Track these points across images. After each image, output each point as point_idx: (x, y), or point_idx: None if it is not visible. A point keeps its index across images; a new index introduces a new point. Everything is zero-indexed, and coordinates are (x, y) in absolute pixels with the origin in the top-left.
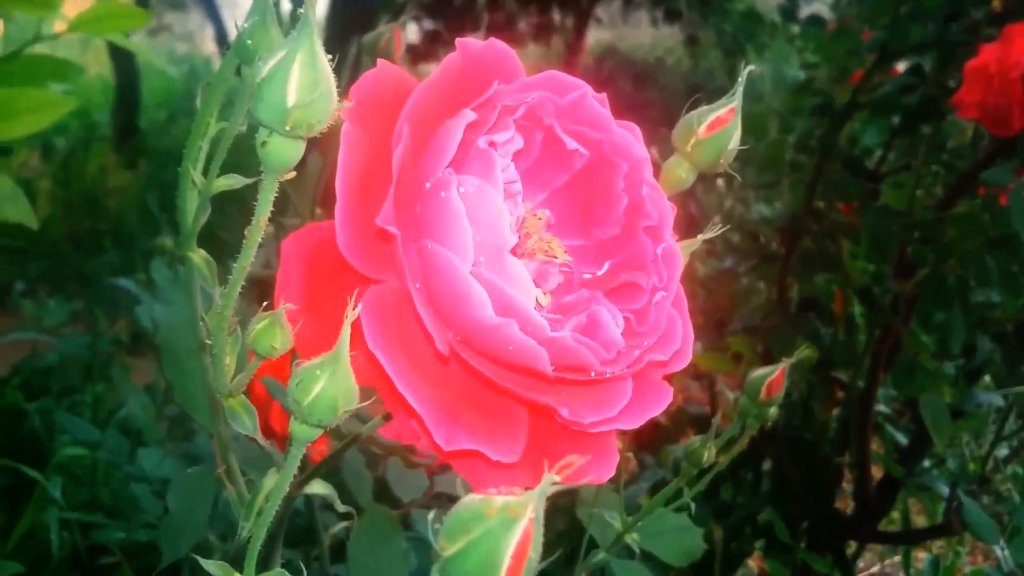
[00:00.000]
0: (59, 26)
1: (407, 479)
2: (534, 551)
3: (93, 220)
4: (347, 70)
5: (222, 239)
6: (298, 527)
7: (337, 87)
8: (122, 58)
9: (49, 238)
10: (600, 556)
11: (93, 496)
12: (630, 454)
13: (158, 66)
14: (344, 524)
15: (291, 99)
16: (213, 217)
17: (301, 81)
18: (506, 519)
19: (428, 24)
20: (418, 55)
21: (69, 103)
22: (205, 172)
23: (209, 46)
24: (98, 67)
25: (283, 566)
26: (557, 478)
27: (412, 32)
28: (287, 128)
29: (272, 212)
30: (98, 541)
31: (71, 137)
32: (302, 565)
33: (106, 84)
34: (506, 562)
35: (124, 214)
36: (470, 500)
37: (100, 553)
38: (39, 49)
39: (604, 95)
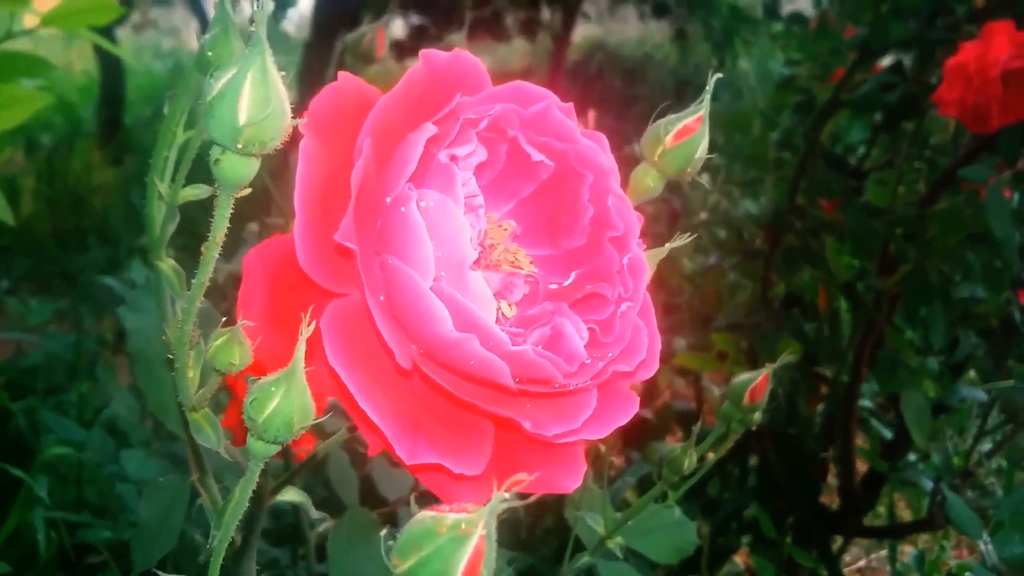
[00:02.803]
0: (31, 21)
1: (392, 478)
2: (485, 568)
3: (78, 217)
4: (333, 67)
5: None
6: (285, 526)
7: (323, 83)
8: (107, 54)
9: (33, 236)
10: (584, 559)
11: (79, 495)
12: (614, 458)
13: (143, 62)
14: (330, 523)
15: (242, 117)
16: (196, 213)
17: (252, 99)
18: (456, 537)
19: (414, 19)
20: (404, 51)
21: (43, 99)
22: (174, 180)
23: (194, 41)
24: (83, 63)
25: (268, 565)
26: (507, 496)
27: (398, 27)
28: (239, 146)
29: (258, 212)
30: (85, 540)
31: (55, 134)
32: (280, 572)
33: (91, 80)
34: None
35: (109, 211)
36: (422, 517)
37: (87, 552)
38: (17, 45)
39: (570, 105)
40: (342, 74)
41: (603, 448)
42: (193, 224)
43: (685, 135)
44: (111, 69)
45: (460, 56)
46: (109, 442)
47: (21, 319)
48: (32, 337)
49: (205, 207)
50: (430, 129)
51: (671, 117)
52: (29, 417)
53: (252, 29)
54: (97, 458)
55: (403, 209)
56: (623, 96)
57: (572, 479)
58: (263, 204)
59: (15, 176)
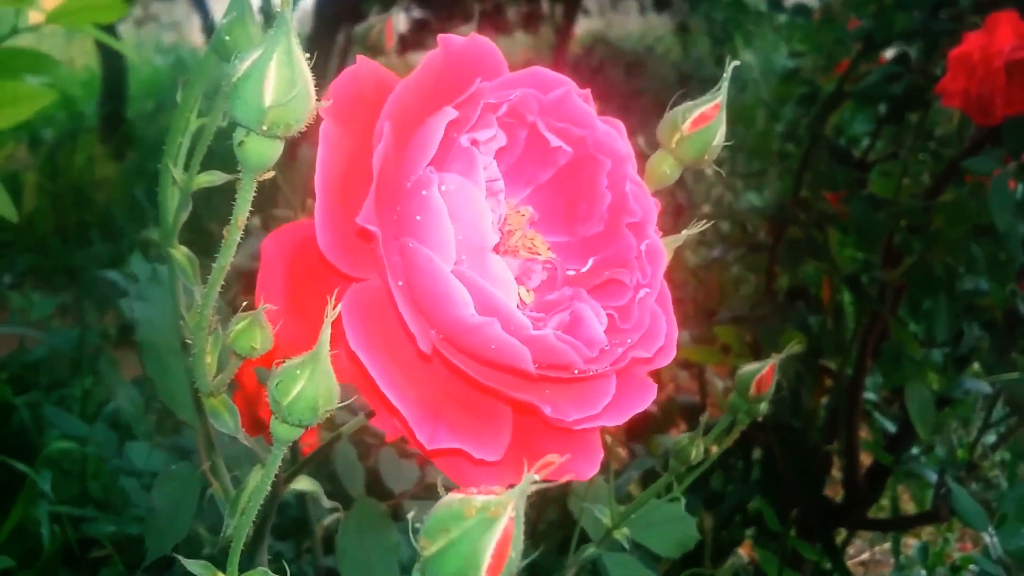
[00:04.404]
0: (36, 18)
1: (399, 470)
2: (515, 550)
3: (81, 212)
4: (335, 59)
5: (209, 231)
6: (290, 519)
7: (324, 76)
8: (108, 48)
9: (36, 231)
10: (590, 551)
11: (83, 490)
12: (620, 450)
13: (145, 56)
14: (336, 516)
15: (268, 99)
16: (201, 208)
17: (278, 80)
18: (485, 519)
19: (416, 13)
20: (407, 44)
21: (48, 96)
22: (187, 167)
23: (196, 36)
24: (84, 58)
25: (273, 558)
26: (537, 477)
27: (400, 21)
28: (264, 128)
29: (263, 203)
30: (89, 534)
31: (58, 128)
32: (285, 565)
33: (92, 74)
34: (486, 562)
35: (112, 206)
36: (450, 499)
37: (91, 546)
38: (20, 40)
39: (588, 91)
40: (360, 58)
41: (608, 440)
42: (198, 219)
43: (702, 122)
44: (113, 64)
45: (477, 41)
46: (112, 436)
47: (24, 314)
48: (35, 332)
49: (208, 200)
50: (450, 113)
51: (688, 104)
52: (32, 412)
53: (277, 11)
54: (101, 452)
55: (424, 192)
56: (625, 89)
57: (590, 465)
58: (270, 196)
59: (18, 171)
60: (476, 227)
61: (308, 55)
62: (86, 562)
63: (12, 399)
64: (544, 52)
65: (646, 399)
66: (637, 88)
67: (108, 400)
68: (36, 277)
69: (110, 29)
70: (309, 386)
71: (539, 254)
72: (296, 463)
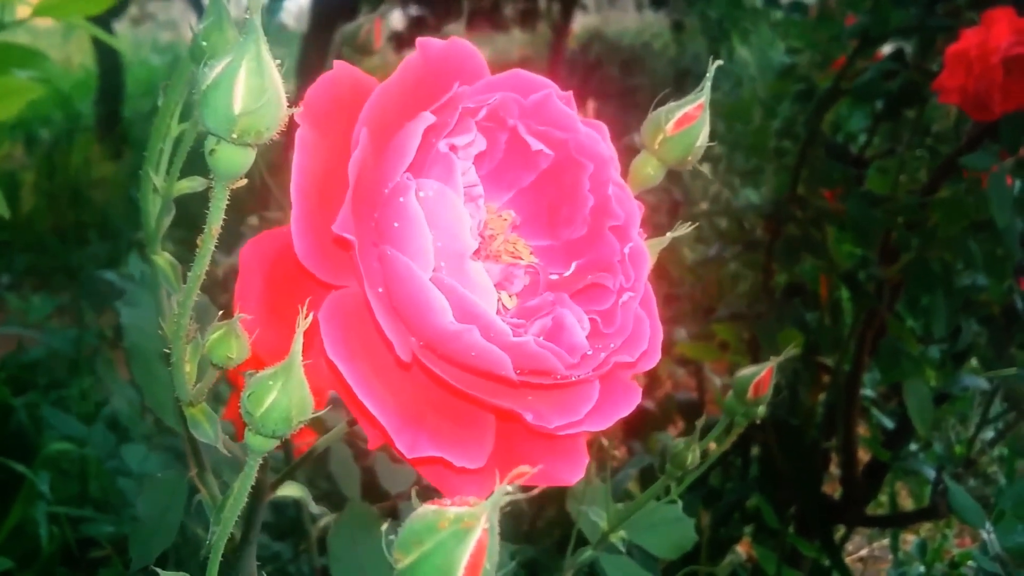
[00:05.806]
0: (23, 11)
1: (394, 471)
2: (489, 561)
3: (78, 212)
4: (330, 60)
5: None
6: (287, 520)
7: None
8: (105, 47)
9: (34, 231)
10: (588, 554)
11: (82, 490)
12: (616, 451)
13: (142, 55)
14: (332, 517)
15: (237, 106)
16: (197, 208)
17: (247, 88)
18: (458, 531)
19: (413, 10)
20: (403, 42)
21: (37, 89)
22: (169, 172)
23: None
24: (81, 57)
25: (270, 559)
26: (509, 488)
27: (397, 19)
28: (234, 136)
29: (262, 207)
30: (87, 535)
31: (54, 128)
32: (275, 568)
33: (89, 74)
34: (460, 574)
35: (109, 205)
36: (423, 511)
37: (90, 547)
38: (18, 38)
39: (570, 93)
40: (338, 63)
41: (606, 441)
42: (194, 217)
43: (686, 123)
44: (109, 63)
45: (456, 44)
46: (110, 437)
47: (22, 315)
48: (33, 332)
49: (206, 201)
50: (428, 118)
51: (671, 105)
52: (31, 412)
53: (247, 17)
54: (99, 453)
55: (401, 199)
56: (622, 86)
57: (574, 471)
58: (262, 198)
59: (15, 171)
60: (454, 233)
61: (302, 55)
62: (85, 562)
63: (10, 400)
64: (541, 49)
65: (630, 403)
66: (634, 85)
67: (106, 400)
68: (34, 277)
69: (106, 28)
70: (282, 396)
71: (521, 258)
72: (289, 465)
